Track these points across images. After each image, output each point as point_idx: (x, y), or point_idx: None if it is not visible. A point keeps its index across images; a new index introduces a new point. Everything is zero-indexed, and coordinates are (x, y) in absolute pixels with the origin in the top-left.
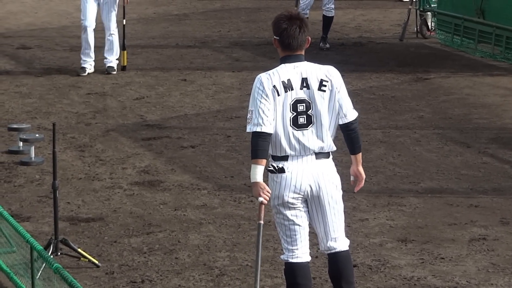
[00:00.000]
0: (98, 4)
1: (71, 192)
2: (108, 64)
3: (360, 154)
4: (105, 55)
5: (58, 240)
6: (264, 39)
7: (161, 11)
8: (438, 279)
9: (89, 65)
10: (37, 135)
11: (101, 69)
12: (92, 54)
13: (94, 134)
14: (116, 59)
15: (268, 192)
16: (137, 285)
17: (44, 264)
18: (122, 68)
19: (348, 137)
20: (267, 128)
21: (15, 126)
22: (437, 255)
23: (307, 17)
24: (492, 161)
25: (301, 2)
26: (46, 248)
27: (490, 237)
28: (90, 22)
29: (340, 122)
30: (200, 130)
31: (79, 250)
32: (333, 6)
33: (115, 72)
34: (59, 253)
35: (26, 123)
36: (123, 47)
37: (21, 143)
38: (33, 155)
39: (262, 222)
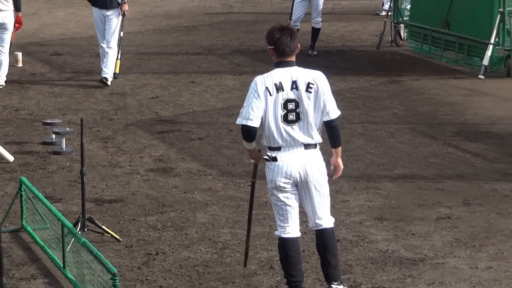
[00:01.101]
0: (105, 20)
1: (96, 178)
2: (103, 75)
3: (340, 148)
4: (102, 66)
5: (85, 218)
6: (261, 47)
7: (173, 23)
8: (409, 252)
9: (110, 76)
10: (67, 129)
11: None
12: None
13: (116, 128)
14: (112, 72)
15: (259, 156)
16: (152, 257)
17: (73, 239)
18: (114, 75)
19: (330, 132)
20: (254, 123)
21: (48, 121)
22: (409, 232)
23: (298, 29)
24: (456, 151)
25: (293, 15)
26: (75, 225)
27: (454, 216)
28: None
29: (324, 119)
30: (206, 125)
31: (103, 227)
32: (320, 19)
33: (108, 83)
34: (86, 230)
35: (58, 118)
36: (118, 57)
37: (54, 136)
38: (64, 146)
39: (255, 180)
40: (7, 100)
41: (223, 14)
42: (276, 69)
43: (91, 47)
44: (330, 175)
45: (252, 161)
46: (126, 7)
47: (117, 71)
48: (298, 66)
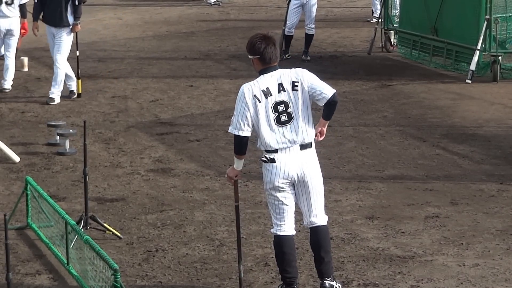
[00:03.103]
0: (54, 38)
1: (98, 177)
2: (50, 95)
3: (329, 121)
4: (51, 85)
5: (88, 217)
6: None
7: (173, 30)
8: (399, 249)
9: (57, 95)
10: (71, 131)
11: (123, 74)
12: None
13: (117, 129)
14: (59, 93)
15: (237, 178)
16: (152, 253)
17: (76, 236)
18: (78, 95)
19: (329, 107)
20: (245, 133)
21: (53, 123)
22: (398, 230)
23: (292, 35)
24: (444, 153)
25: (287, 22)
26: (78, 223)
27: (442, 215)
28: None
29: (324, 101)
30: (204, 127)
31: (105, 224)
32: (313, 25)
33: (53, 103)
34: (88, 227)
35: (62, 120)
36: (77, 76)
37: (58, 137)
38: (67, 147)
39: (238, 203)
40: (13, 103)
41: (220, 20)
42: (262, 76)
43: (93, 52)
44: (324, 176)
45: (229, 178)
46: (78, 28)
47: (80, 91)
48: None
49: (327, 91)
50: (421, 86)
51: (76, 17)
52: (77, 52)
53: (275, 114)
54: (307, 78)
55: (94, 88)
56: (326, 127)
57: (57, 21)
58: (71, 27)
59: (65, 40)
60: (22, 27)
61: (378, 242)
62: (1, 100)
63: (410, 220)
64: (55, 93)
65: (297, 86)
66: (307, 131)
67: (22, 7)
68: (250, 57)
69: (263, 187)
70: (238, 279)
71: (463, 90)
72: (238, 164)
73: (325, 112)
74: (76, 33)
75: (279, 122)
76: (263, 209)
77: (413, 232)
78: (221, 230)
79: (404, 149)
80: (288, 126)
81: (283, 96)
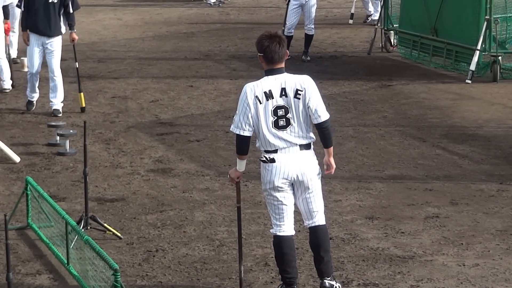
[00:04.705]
0: (43, 49)
1: (99, 178)
2: (54, 107)
3: (331, 148)
4: (50, 98)
5: (88, 217)
6: (256, 53)
7: (173, 30)
8: (399, 249)
9: (36, 98)
10: (71, 131)
11: (125, 74)
12: (37, 90)
13: (117, 130)
14: (61, 102)
15: (239, 179)
16: (152, 253)
17: (76, 236)
18: (81, 109)
19: (321, 133)
20: (246, 132)
21: (53, 123)
22: (398, 230)
23: (292, 35)
24: (444, 153)
25: (287, 22)
26: (78, 223)
27: (442, 215)
28: (36, 68)
29: (315, 122)
30: (204, 127)
31: (105, 225)
32: (313, 26)
33: (60, 115)
34: (88, 227)
35: (62, 121)
36: (79, 90)
37: (58, 137)
38: (68, 147)
39: (240, 204)
40: (13, 104)
41: (220, 21)
42: (266, 77)
43: (94, 53)
44: (323, 176)
45: (231, 179)
46: (75, 36)
47: (83, 105)
48: (290, 70)
49: (321, 113)
50: (421, 86)
51: (72, 25)
52: (76, 64)
53: (274, 118)
54: (310, 91)
55: (94, 89)
56: (332, 157)
57: (51, 31)
58: (62, 35)
59: (59, 49)
60: (6, 27)
61: (378, 242)
62: (1, 101)
63: (410, 220)
64: (58, 104)
65: (299, 94)
66: (304, 135)
67: (5, 8)
68: (258, 54)
69: (262, 187)
70: (238, 279)
71: (463, 90)
72: (240, 165)
73: (321, 140)
74: (74, 43)
75: (276, 126)
76: (262, 209)
77: (413, 232)
78: (221, 230)
79: (404, 149)
80: (286, 131)
81: (284, 101)
